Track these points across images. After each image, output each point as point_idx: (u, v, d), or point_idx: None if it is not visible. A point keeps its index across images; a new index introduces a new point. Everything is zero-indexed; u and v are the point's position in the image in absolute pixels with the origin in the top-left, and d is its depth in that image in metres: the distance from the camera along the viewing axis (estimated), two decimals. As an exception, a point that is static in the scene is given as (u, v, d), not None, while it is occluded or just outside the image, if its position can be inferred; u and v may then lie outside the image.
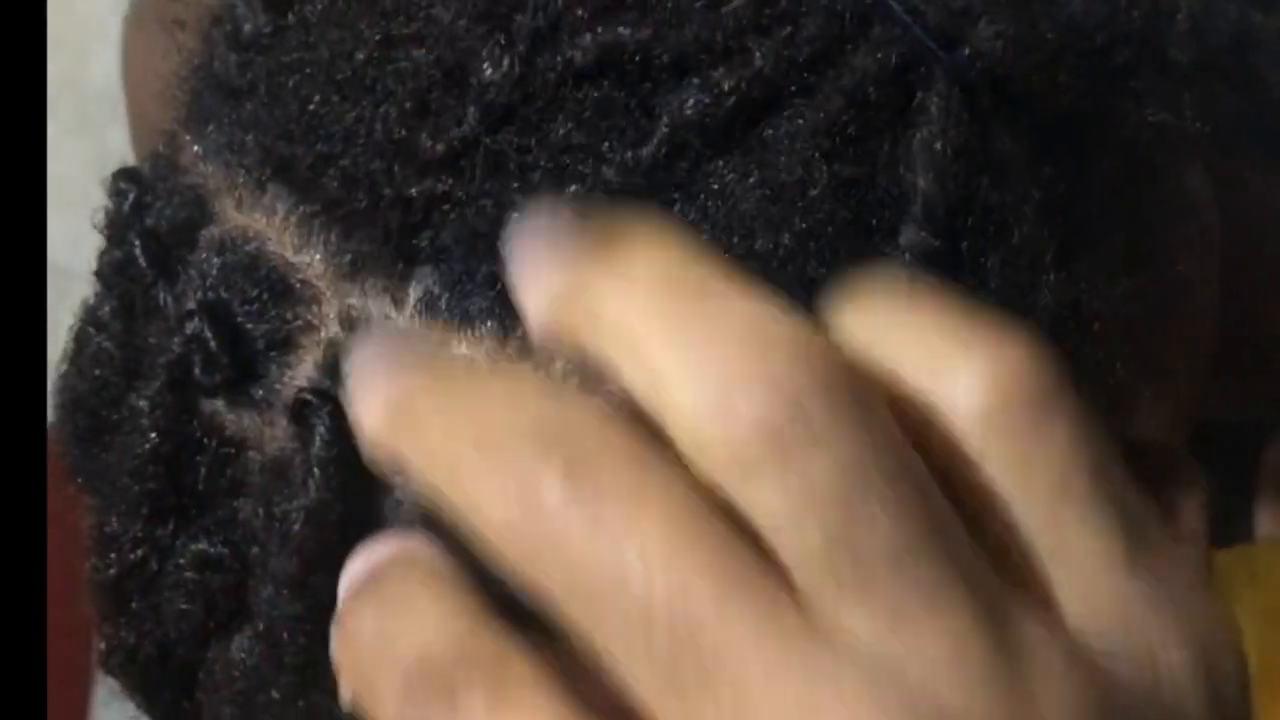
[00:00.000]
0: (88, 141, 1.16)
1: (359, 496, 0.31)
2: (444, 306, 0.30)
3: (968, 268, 0.30)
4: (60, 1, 1.22)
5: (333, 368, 0.31)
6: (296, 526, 0.31)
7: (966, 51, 0.30)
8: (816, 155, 0.30)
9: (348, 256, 0.31)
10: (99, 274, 0.36)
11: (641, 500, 0.22)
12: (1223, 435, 0.41)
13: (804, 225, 0.30)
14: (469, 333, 0.30)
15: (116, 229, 0.35)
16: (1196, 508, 0.36)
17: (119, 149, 0.66)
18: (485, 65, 0.30)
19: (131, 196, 0.35)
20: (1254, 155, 0.35)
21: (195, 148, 0.34)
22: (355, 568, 0.26)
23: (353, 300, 0.31)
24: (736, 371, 0.22)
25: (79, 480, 0.37)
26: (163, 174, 0.35)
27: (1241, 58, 0.32)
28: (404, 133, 0.31)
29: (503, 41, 0.30)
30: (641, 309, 0.23)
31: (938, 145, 0.30)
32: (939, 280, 0.30)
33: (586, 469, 0.22)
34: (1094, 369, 0.32)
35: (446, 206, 0.30)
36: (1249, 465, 0.50)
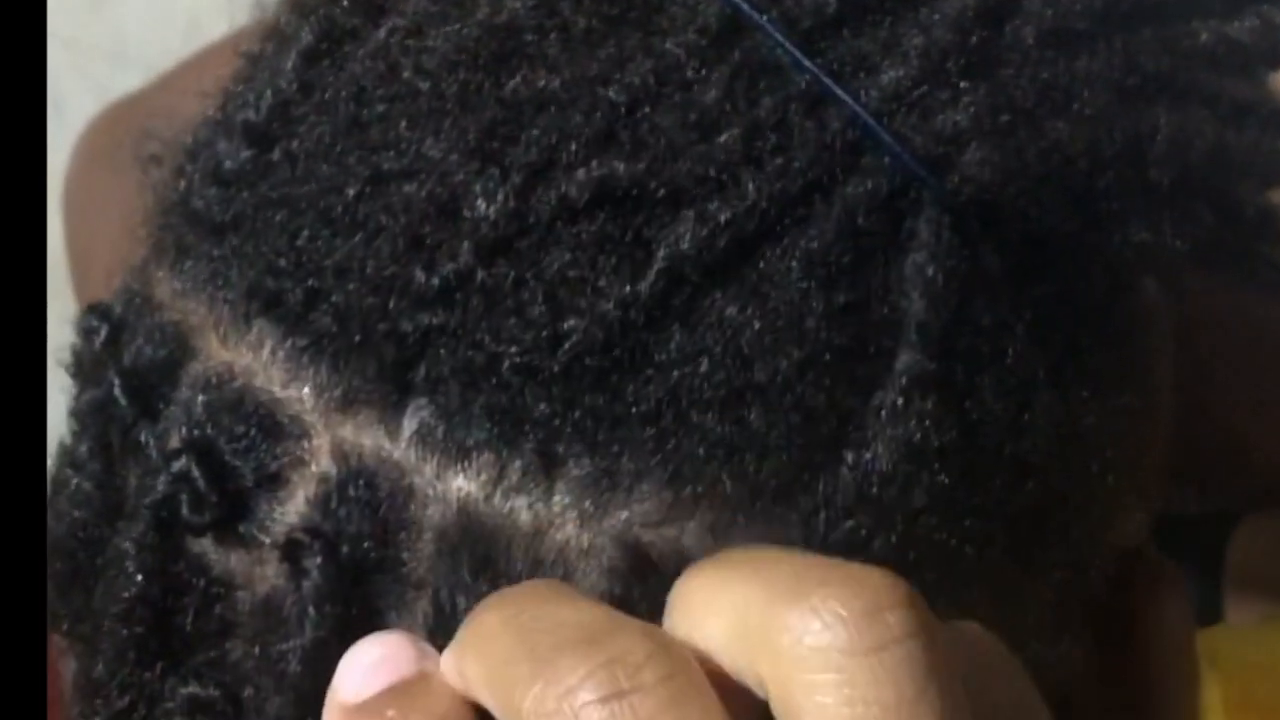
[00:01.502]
0: (52, 307, 1.15)
1: (354, 635, 0.31)
2: (440, 439, 0.30)
3: (962, 389, 0.31)
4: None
5: (325, 503, 0.31)
6: (292, 666, 0.31)
7: (955, 177, 0.30)
8: (812, 284, 0.30)
9: (339, 390, 0.31)
10: (75, 414, 0.36)
11: None
12: (1187, 527, 0.41)
13: (801, 354, 0.30)
14: (465, 465, 0.30)
15: (91, 367, 0.35)
16: (1181, 608, 0.36)
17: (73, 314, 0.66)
18: (479, 199, 0.30)
19: (104, 333, 0.35)
20: (1228, 271, 0.36)
21: (174, 283, 0.34)
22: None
23: (345, 433, 0.31)
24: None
25: (55, 625, 0.36)
26: (136, 310, 0.35)
27: (1218, 176, 0.32)
28: (397, 267, 0.31)
29: (496, 176, 0.30)
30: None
31: (930, 270, 0.30)
32: (935, 402, 0.30)
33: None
34: (1087, 482, 0.33)
35: (442, 339, 0.30)
36: (1215, 555, 0.50)
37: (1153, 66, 0.32)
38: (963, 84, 0.30)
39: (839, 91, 0.30)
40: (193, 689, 0.33)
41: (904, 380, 0.30)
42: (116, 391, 0.34)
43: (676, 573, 0.30)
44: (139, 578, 0.33)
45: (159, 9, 1.20)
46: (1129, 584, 0.35)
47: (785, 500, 0.30)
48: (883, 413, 0.30)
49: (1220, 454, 0.45)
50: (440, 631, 0.30)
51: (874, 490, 0.30)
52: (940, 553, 0.31)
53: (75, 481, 0.35)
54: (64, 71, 1.25)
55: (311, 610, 0.30)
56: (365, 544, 0.30)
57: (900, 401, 0.30)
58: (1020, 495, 0.31)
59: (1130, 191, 0.31)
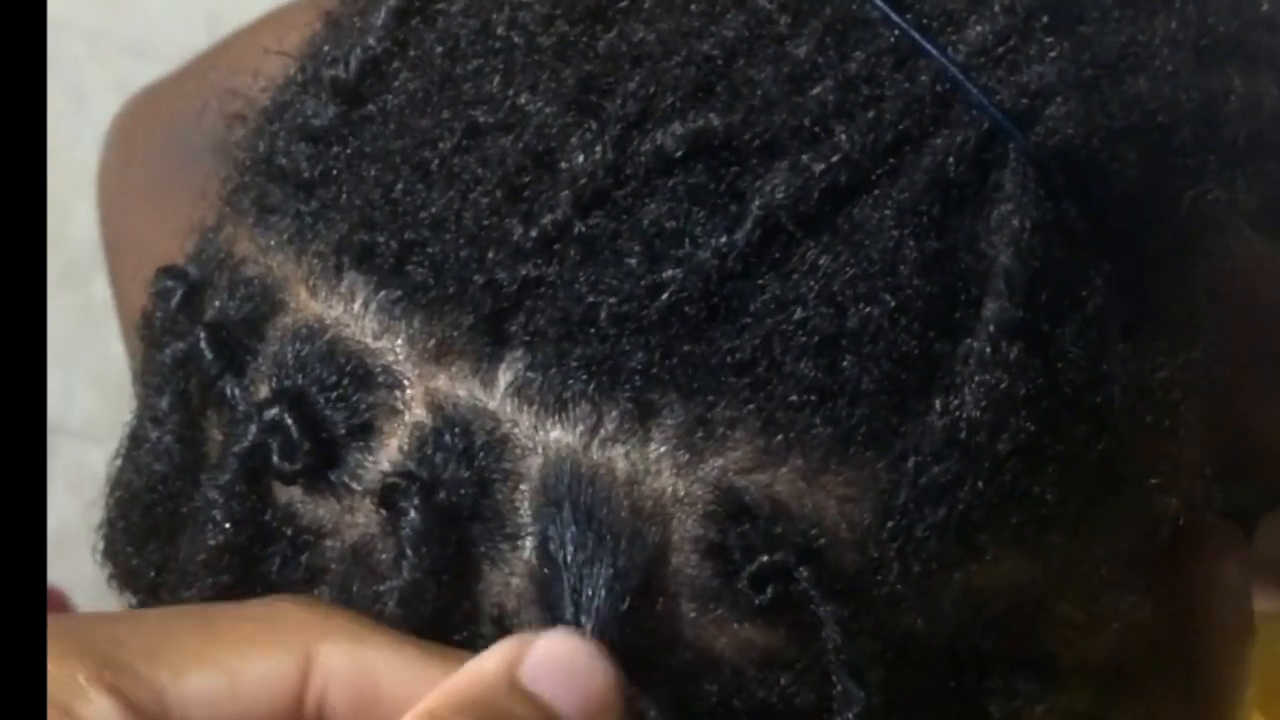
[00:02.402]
0: (74, 296, 1.16)
1: (451, 580, 0.31)
2: (536, 390, 0.31)
3: (1046, 337, 0.31)
4: (42, 158, 1.23)
5: (419, 451, 0.31)
6: (390, 608, 0.31)
7: (1040, 130, 0.31)
8: (903, 233, 0.31)
9: (433, 341, 0.31)
10: (153, 370, 0.36)
11: None
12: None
13: (893, 301, 0.30)
14: (562, 416, 0.31)
15: (166, 327, 0.35)
16: (1242, 568, 0.37)
17: (105, 301, 0.67)
18: (576, 151, 0.31)
19: (180, 294, 0.35)
20: None
21: (258, 240, 0.34)
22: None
23: (439, 384, 0.31)
24: None
25: (131, 581, 0.37)
26: (216, 268, 0.35)
27: None
28: (494, 218, 0.31)
29: (593, 128, 0.31)
30: None
31: (1016, 220, 0.31)
32: (1021, 350, 0.31)
33: None
34: (1157, 436, 0.33)
35: (539, 291, 0.31)
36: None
37: (1223, 29, 0.33)
38: (1047, 39, 0.31)
39: (928, 46, 0.31)
40: None
41: (992, 328, 0.31)
42: (202, 345, 0.34)
43: (771, 518, 0.30)
44: (227, 526, 0.33)
45: (180, 3, 1.21)
46: (1194, 544, 0.36)
47: (876, 445, 0.30)
48: (970, 360, 0.31)
49: (1245, 453, 0.45)
50: (542, 582, 0.31)
51: (962, 435, 0.30)
52: (1024, 498, 0.31)
53: (155, 435, 0.35)
54: (86, 64, 1.25)
55: (410, 552, 0.31)
56: (462, 491, 0.31)
57: (988, 349, 0.30)
58: (1099, 445, 0.32)
59: (1205, 148, 0.32)
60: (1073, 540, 0.33)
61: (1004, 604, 0.32)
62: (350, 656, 0.30)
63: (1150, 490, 0.34)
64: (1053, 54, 0.31)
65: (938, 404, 0.30)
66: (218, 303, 0.34)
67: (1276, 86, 0.33)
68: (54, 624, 0.30)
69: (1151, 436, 0.33)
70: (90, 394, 1.10)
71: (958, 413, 0.30)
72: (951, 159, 0.31)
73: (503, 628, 0.31)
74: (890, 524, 0.30)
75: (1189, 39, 0.32)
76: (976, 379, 0.30)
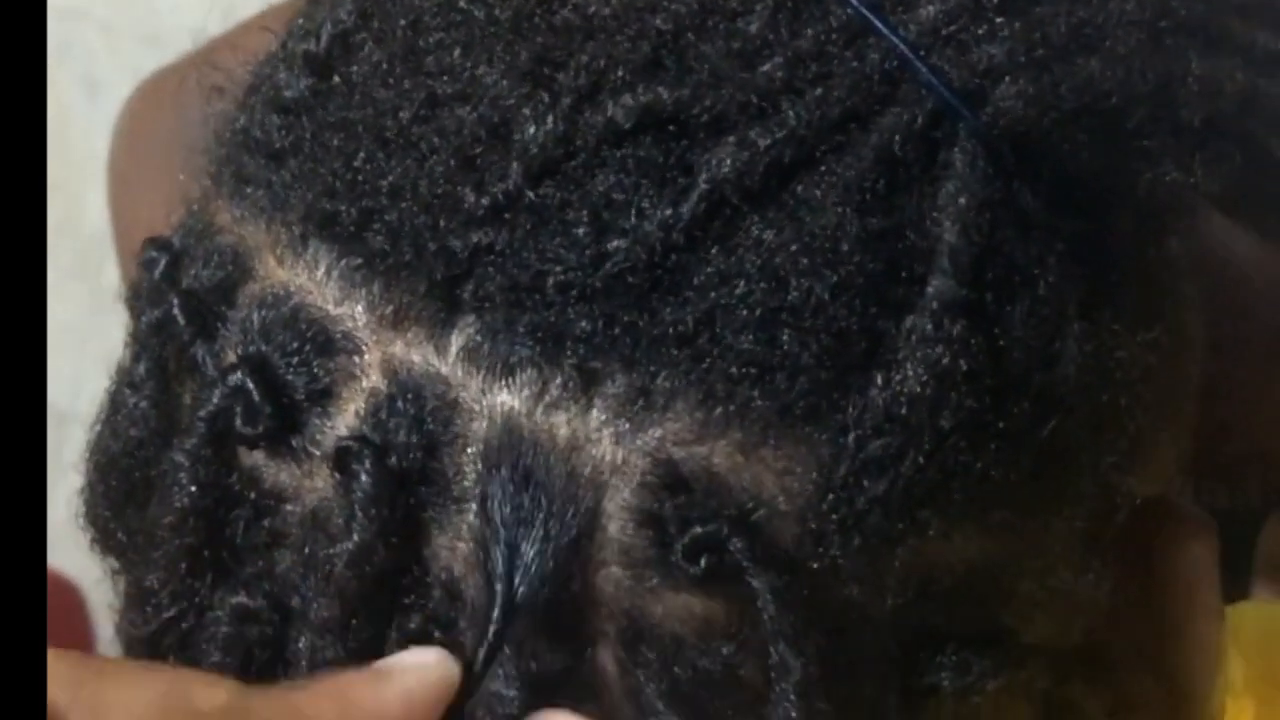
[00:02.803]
0: (85, 285, 1.17)
1: (399, 543, 0.32)
2: (485, 355, 0.31)
3: (993, 317, 0.32)
4: (54, 146, 1.24)
5: (374, 416, 0.32)
6: (340, 569, 0.32)
7: (990, 110, 0.31)
8: (848, 210, 0.31)
9: (390, 308, 0.32)
10: (133, 337, 0.37)
11: None
12: (1219, 520, 0.42)
13: (836, 277, 0.31)
14: (509, 381, 0.31)
15: (150, 293, 0.36)
16: (1208, 554, 0.37)
17: (115, 289, 0.67)
18: (528, 122, 0.31)
19: (163, 262, 0.36)
20: (1256, 218, 0.37)
21: (233, 210, 0.35)
22: None
23: (395, 349, 0.32)
24: None
25: (108, 545, 0.38)
26: (196, 238, 0.36)
27: (1247, 121, 0.33)
28: (449, 187, 0.32)
29: (545, 99, 0.31)
30: None
31: (963, 199, 0.31)
32: (965, 327, 0.31)
33: None
34: (1115, 416, 0.33)
35: (490, 258, 0.31)
36: (1245, 547, 0.51)
37: (1185, 11, 0.33)
38: (998, 19, 0.31)
39: (878, 24, 0.31)
40: (241, 599, 0.34)
41: (935, 305, 0.31)
42: (175, 311, 0.35)
43: (707, 490, 0.31)
44: (192, 489, 0.34)
45: (194, -8, 1.22)
46: (1156, 527, 0.36)
47: (815, 420, 0.31)
48: (913, 336, 0.31)
49: (1244, 458, 0.46)
50: (484, 544, 0.31)
51: (903, 411, 0.31)
52: (967, 474, 0.31)
53: (132, 401, 0.36)
54: (100, 54, 1.26)
55: (360, 514, 0.31)
56: (413, 455, 0.31)
57: (930, 326, 0.31)
58: (1048, 423, 0.32)
59: (1161, 130, 0.32)
60: (1024, 517, 0.33)
61: (954, 579, 0.32)
62: None
63: (1107, 469, 0.34)
64: (1003, 34, 0.31)
65: (879, 379, 0.31)
66: (194, 271, 0.35)
67: (1241, 71, 0.33)
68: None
69: (1109, 415, 0.33)
70: (101, 382, 1.11)
71: (899, 388, 0.31)
72: (899, 137, 0.31)
73: (451, 593, 0.32)
74: (830, 497, 0.31)
75: (1145, 20, 0.32)
76: (918, 354, 0.31)
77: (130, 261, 0.68)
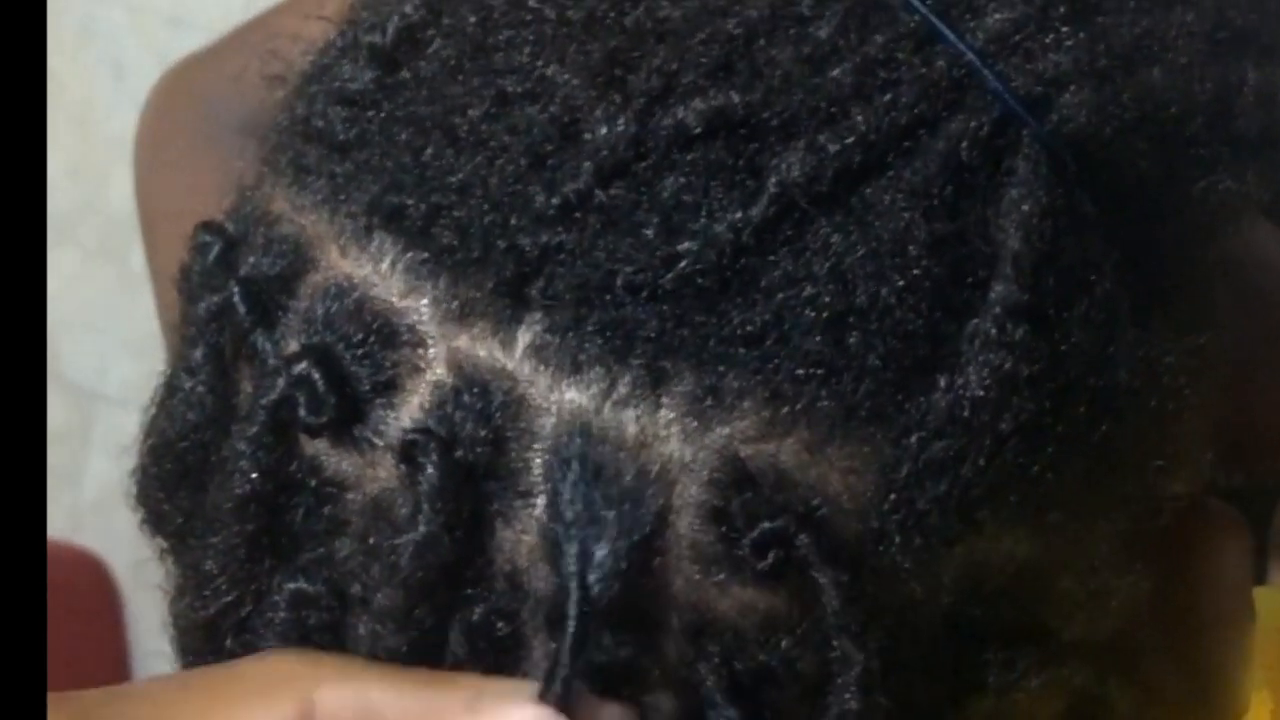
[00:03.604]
0: (111, 266, 1.18)
1: (464, 534, 0.32)
2: (553, 352, 0.32)
3: (1052, 321, 0.32)
4: (80, 127, 1.25)
5: (439, 409, 0.32)
6: (404, 560, 0.32)
7: (1054, 117, 0.32)
8: (914, 214, 0.31)
9: (456, 302, 0.32)
10: (189, 322, 0.37)
11: None
12: (1235, 499, 0.42)
13: (902, 280, 0.31)
14: (577, 378, 0.31)
15: (203, 280, 0.36)
16: (1241, 552, 0.37)
17: (142, 271, 0.68)
18: (600, 123, 0.32)
19: (218, 248, 0.36)
20: None
21: (293, 199, 0.35)
22: None
23: (461, 344, 0.32)
24: None
25: (161, 527, 0.38)
26: (252, 225, 0.36)
27: None
28: (519, 185, 0.32)
29: (617, 101, 0.32)
30: None
31: (1026, 205, 0.32)
32: (1026, 332, 0.32)
33: None
34: (1161, 419, 0.34)
35: (559, 257, 0.32)
36: (1261, 527, 0.51)
37: (1242, 22, 0.33)
38: (1064, 29, 0.32)
39: (946, 31, 0.32)
40: (300, 585, 0.34)
41: (997, 309, 0.31)
42: (235, 299, 0.35)
43: (774, 487, 0.31)
44: (253, 476, 0.34)
45: (220, -25, 1.22)
46: (1193, 527, 0.37)
47: (880, 420, 0.31)
48: (976, 340, 0.31)
49: (1254, 443, 0.46)
50: (550, 539, 0.32)
51: (965, 414, 0.31)
52: (1024, 477, 0.32)
53: (188, 385, 0.36)
54: (126, 36, 1.27)
55: (425, 506, 0.32)
56: (478, 449, 0.32)
57: (993, 330, 0.31)
58: (1102, 427, 0.33)
59: (1217, 139, 0.33)
60: (1073, 519, 0.33)
61: (1004, 578, 0.33)
62: (349, 697, 0.32)
63: (1153, 472, 0.34)
64: (1068, 43, 0.32)
65: (942, 382, 0.31)
66: (252, 259, 0.35)
67: None
68: (57, 703, 0.31)
69: (1156, 420, 0.34)
70: (127, 362, 1.12)
71: (961, 391, 0.31)
72: (965, 143, 0.32)
73: (515, 585, 0.32)
74: (892, 496, 0.31)
75: (1205, 31, 0.33)
76: (981, 359, 0.31)
77: (159, 248, 0.68)
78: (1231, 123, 0.33)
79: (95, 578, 1.17)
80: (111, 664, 1.20)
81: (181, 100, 0.68)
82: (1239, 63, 0.33)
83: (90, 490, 1.18)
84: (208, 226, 0.37)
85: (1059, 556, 0.34)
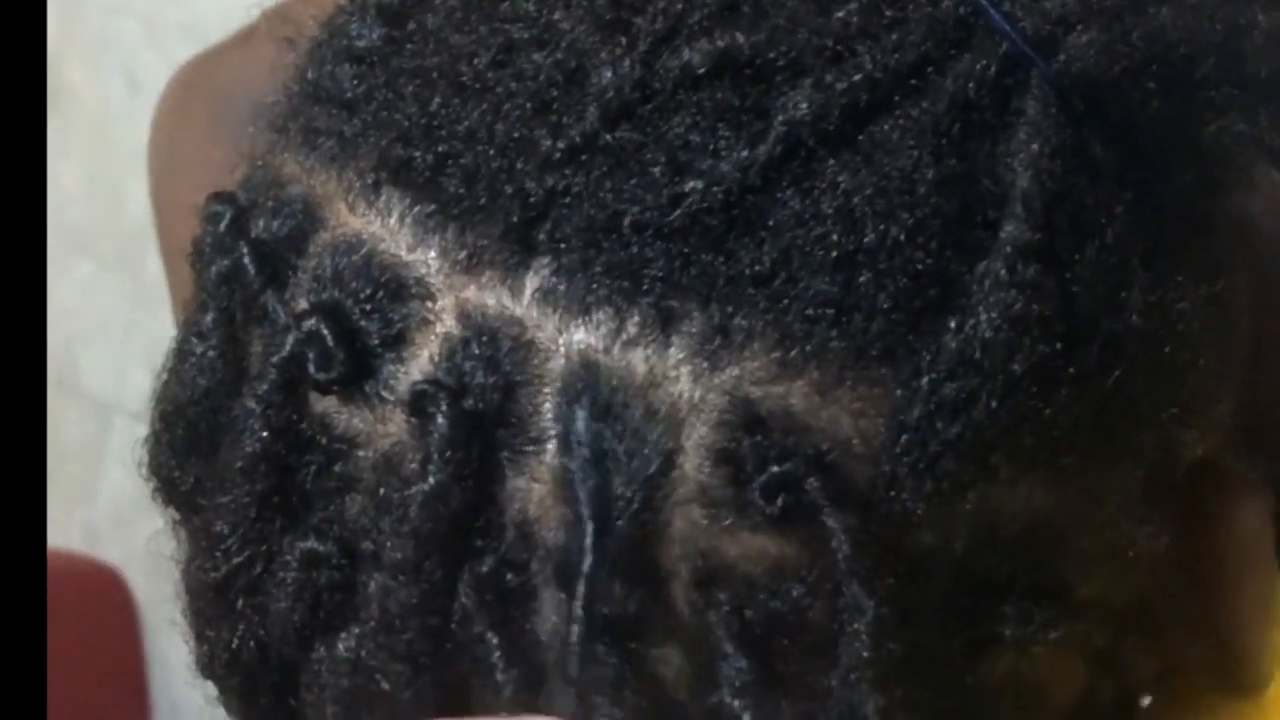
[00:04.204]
0: (127, 277, 1.18)
1: (475, 484, 0.32)
2: (561, 295, 0.31)
3: (1063, 262, 0.32)
4: (96, 140, 1.26)
5: (449, 360, 0.32)
6: (414, 511, 0.32)
7: (1062, 57, 0.32)
8: (923, 153, 0.31)
9: (464, 252, 0.32)
10: (200, 287, 0.37)
11: None
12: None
13: (911, 219, 0.31)
14: (585, 319, 0.31)
15: (217, 245, 0.36)
16: (1262, 515, 0.37)
17: (158, 282, 0.68)
18: (605, 67, 0.32)
19: (229, 215, 0.36)
20: None
21: (303, 161, 0.35)
22: None
23: (469, 294, 0.32)
24: None
25: (172, 494, 0.38)
26: (262, 190, 0.36)
27: None
28: (525, 131, 0.32)
29: (623, 43, 0.32)
30: None
31: (1035, 145, 0.31)
32: (1037, 272, 0.31)
33: None
34: (1177, 367, 0.34)
35: (566, 200, 0.32)
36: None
37: None
38: None
39: None
40: (311, 543, 0.34)
41: (1008, 249, 0.31)
42: (245, 260, 0.35)
43: (784, 429, 0.31)
44: (263, 435, 0.34)
45: (234, -13, 1.23)
46: (1212, 485, 0.36)
47: (890, 361, 0.31)
48: (987, 280, 0.31)
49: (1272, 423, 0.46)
50: (562, 481, 0.31)
51: (976, 355, 0.31)
52: (1036, 420, 0.32)
53: (199, 349, 0.36)
54: (141, 48, 1.28)
55: (435, 456, 0.32)
56: (489, 396, 0.32)
57: (1004, 270, 0.31)
58: (1115, 370, 0.32)
59: (1228, 81, 0.33)
60: (1087, 466, 0.33)
61: (1019, 528, 0.33)
62: None
63: (1167, 421, 0.34)
64: None
65: (953, 323, 0.31)
66: (262, 221, 0.35)
67: None
68: None
69: (1170, 366, 0.34)
70: (144, 373, 1.12)
71: (972, 332, 0.31)
72: (973, 83, 0.31)
73: (525, 535, 0.32)
74: (904, 439, 0.31)
75: None
76: (992, 299, 0.31)
77: (175, 244, 0.68)
78: (1242, 65, 0.33)
79: (112, 590, 1.17)
80: (129, 677, 1.20)
81: (197, 95, 0.68)
82: (1248, 5, 0.33)
83: (107, 502, 1.18)
84: (219, 196, 0.37)
85: (1074, 507, 0.33)
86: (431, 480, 0.32)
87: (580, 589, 0.31)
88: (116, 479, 1.19)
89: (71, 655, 1.13)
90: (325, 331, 0.33)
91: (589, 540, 0.31)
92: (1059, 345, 0.32)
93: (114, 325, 1.22)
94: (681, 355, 0.31)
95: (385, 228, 0.33)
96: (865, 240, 0.31)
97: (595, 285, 0.31)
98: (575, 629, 0.31)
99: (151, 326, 1.16)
